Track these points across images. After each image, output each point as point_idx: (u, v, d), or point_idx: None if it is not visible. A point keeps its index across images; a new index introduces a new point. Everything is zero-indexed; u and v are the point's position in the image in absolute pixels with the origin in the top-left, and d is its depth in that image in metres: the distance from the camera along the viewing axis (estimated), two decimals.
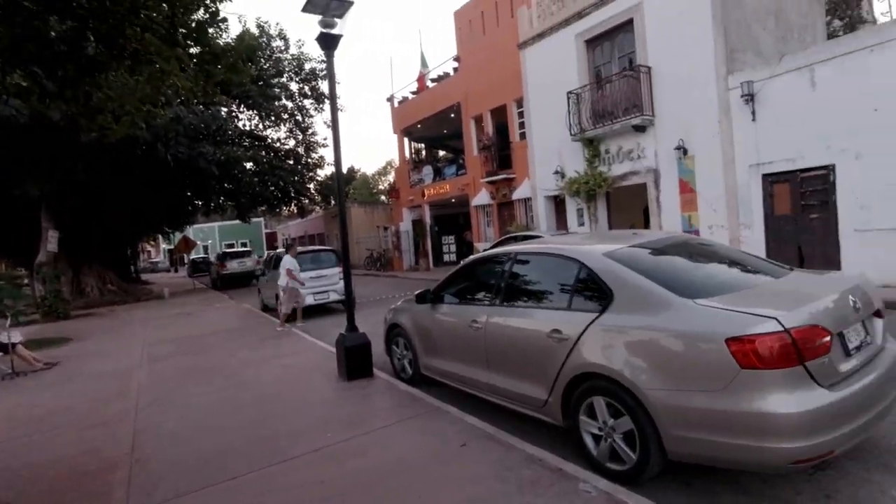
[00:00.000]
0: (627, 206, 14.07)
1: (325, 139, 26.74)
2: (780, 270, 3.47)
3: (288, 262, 9.02)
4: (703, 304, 2.76)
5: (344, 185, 5.64)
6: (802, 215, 9.17)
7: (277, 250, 11.91)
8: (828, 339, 2.51)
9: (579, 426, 3.25)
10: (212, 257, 40.24)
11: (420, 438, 3.75)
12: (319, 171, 26.79)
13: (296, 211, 28.09)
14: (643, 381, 2.80)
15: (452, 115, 20.71)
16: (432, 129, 23.13)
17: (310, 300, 10.39)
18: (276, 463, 3.57)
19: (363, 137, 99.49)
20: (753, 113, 9.64)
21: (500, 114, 17.13)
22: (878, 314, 3.03)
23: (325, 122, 26.45)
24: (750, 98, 9.56)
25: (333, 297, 10.71)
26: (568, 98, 13.00)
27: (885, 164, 8.04)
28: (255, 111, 22.40)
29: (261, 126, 24.10)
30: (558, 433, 3.61)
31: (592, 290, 3.30)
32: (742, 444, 2.48)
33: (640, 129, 11.63)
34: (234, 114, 21.13)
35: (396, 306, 5.65)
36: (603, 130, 12.25)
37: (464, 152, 19.36)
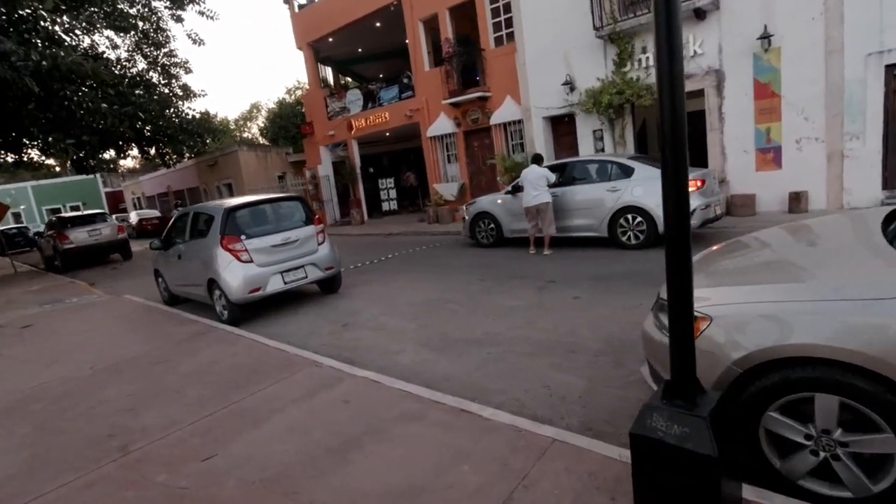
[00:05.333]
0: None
1: (186, 61, 19.84)
2: None
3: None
4: None
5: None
6: None
7: (186, 207, 7.14)
8: None
9: None
10: (32, 227, 30.77)
11: None
12: (186, 105, 19.91)
13: (159, 161, 20.91)
14: None
15: (378, 24, 16.07)
16: (346, 46, 18.12)
17: (276, 284, 6.11)
18: None
19: (225, 68, 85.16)
20: None
21: (462, 14, 13.16)
22: None
23: (188, 35, 19.35)
24: None
25: (314, 274, 6.46)
26: None
27: None
28: (79, 9, 15.06)
29: (85, 38, 16.49)
30: None
31: None
32: None
33: (700, 14, 8.83)
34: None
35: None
36: (647, 19, 9.23)
37: (409, 72, 15.08)
